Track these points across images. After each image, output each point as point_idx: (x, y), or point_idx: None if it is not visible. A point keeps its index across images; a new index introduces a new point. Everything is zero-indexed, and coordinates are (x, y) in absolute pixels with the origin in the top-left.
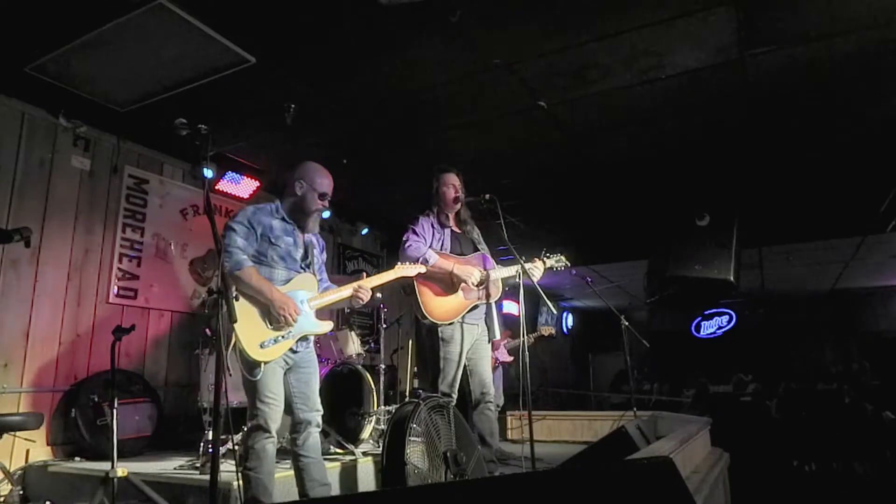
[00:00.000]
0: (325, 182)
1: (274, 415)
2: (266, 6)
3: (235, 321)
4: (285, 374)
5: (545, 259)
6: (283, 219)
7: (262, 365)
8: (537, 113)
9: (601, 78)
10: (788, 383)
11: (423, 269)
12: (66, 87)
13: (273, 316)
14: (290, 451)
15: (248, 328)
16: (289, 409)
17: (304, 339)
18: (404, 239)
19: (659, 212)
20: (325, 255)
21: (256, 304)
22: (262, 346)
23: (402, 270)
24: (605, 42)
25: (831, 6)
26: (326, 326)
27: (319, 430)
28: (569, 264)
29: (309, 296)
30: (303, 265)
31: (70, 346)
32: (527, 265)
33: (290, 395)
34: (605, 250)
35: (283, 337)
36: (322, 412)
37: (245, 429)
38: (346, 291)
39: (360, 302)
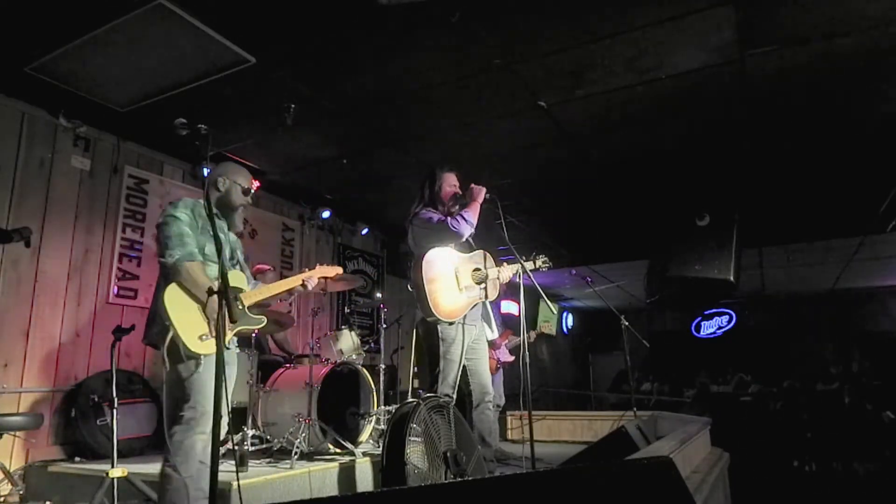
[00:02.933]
0: (246, 179)
1: (210, 407)
2: (266, 6)
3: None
4: None
5: (534, 260)
6: (216, 215)
7: (202, 358)
8: (537, 113)
9: (601, 78)
10: (792, 382)
11: (340, 271)
12: (66, 87)
13: (207, 317)
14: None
15: (188, 320)
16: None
17: (236, 335)
18: (437, 218)
19: (659, 212)
20: (243, 255)
21: (195, 298)
22: (201, 339)
23: (321, 271)
24: (605, 42)
25: (831, 6)
26: (260, 321)
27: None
28: (551, 265)
29: (241, 293)
30: (231, 263)
31: (70, 346)
32: (508, 265)
33: None
34: (605, 250)
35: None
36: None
37: (175, 424)
38: (286, 284)
39: (306, 291)
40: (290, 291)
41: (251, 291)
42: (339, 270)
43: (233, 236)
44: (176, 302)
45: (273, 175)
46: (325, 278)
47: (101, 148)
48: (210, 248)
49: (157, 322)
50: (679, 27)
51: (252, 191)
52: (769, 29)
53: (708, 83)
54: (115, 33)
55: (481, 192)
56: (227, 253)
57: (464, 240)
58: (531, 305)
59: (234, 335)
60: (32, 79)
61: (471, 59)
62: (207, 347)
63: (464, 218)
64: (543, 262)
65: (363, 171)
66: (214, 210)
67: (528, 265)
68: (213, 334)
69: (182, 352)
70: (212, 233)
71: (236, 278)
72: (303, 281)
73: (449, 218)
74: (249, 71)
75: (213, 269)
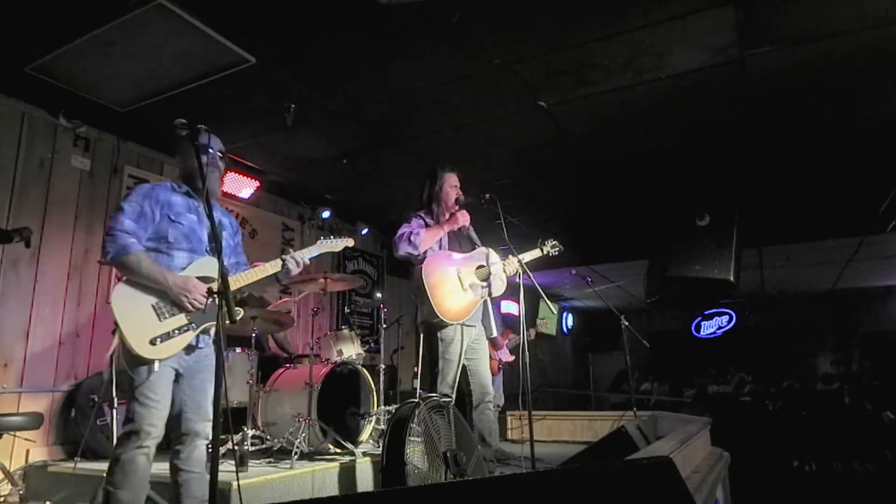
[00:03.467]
0: (202, 137)
1: (154, 421)
2: (266, 6)
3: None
4: (177, 378)
5: (542, 247)
6: (186, 193)
7: (156, 364)
8: (537, 113)
9: (601, 78)
10: (792, 382)
11: (350, 243)
12: (66, 87)
13: (169, 305)
14: (172, 463)
15: (137, 322)
16: (175, 417)
17: (206, 333)
18: (400, 234)
19: (659, 212)
20: (239, 237)
21: (149, 293)
22: (153, 343)
23: (326, 246)
24: (605, 42)
25: (831, 6)
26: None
27: (207, 442)
28: (562, 248)
29: (210, 283)
30: (208, 247)
31: (70, 346)
32: (514, 257)
33: (180, 402)
34: (605, 250)
35: (179, 331)
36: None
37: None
38: (270, 268)
39: (290, 274)
40: (278, 278)
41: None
42: (349, 242)
43: (217, 216)
44: (123, 302)
45: (273, 175)
46: (327, 278)
47: (101, 148)
48: (175, 235)
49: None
50: (679, 27)
51: (215, 149)
52: (769, 29)
53: (708, 83)
54: (115, 33)
55: (457, 222)
56: (204, 235)
57: (417, 254)
58: (531, 305)
59: (203, 332)
60: (32, 79)
61: (471, 59)
62: (161, 352)
63: (409, 240)
64: (553, 247)
65: (363, 171)
66: (185, 188)
67: (536, 253)
68: (177, 334)
69: (132, 357)
70: (174, 218)
71: (204, 266)
72: (283, 263)
73: (398, 233)
74: (249, 71)
75: (181, 259)
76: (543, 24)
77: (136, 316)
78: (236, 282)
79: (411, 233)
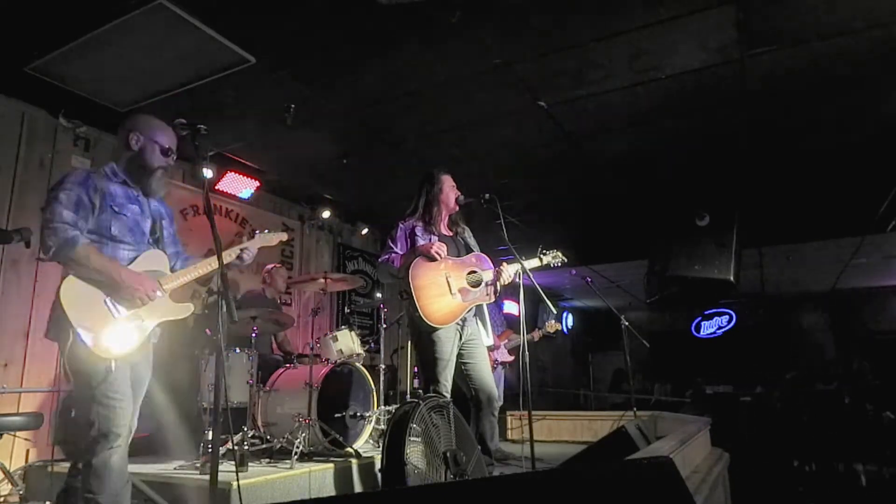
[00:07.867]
0: (165, 136)
1: (119, 419)
2: (266, 6)
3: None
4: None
5: (542, 256)
6: (124, 182)
7: (113, 363)
8: (537, 113)
9: (601, 78)
10: (791, 382)
11: (284, 237)
12: (66, 87)
13: (121, 300)
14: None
15: (90, 319)
16: None
17: (159, 326)
18: (380, 259)
19: (659, 212)
20: (174, 227)
21: (99, 287)
22: (107, 342)
23: (263, 239)
24: (605, 42)
25: (831, 6)
26: (186, 309)
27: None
28: (566, 260)
29: (159, 277)
30: (151, 239)
31: None
32: (516, 264)
33: None
34: (605, 250)
35: (134, 327)
36: (136, 427)
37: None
38: (226, 257)
39: (242, 262)
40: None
41: (171, 275)
42: (284, 237)
43: (155, 204)
44: (74, 298)
45: (273, 175)
46: (327, 278)
47: (101, 148)
48: (119, 228)
49: (54, 319)
50: (679, 27)
51: (174, 151)
52: (769, 29)
53: (708, 83)
54: (115, 33)
55: (431, 250)
56: (147, 226)
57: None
58: (532, 305)
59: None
60: (32, 79)
61: (470, 59)
62: (118, 350)
63: (388, 273)
64: (554, 258)
65: (363, 171)
66: (123, 177)
67: (535, 262)
68: (132, 330)
69: (88, 356)
70: (117, 210)
71: (151, 259)
72: (240, 253)
73: (379, 259)
74: (249, 71)
75: (126, 253)
76: (543, 24)
77: (89, 313)
78: (181, 277)
79: (389, 260)
